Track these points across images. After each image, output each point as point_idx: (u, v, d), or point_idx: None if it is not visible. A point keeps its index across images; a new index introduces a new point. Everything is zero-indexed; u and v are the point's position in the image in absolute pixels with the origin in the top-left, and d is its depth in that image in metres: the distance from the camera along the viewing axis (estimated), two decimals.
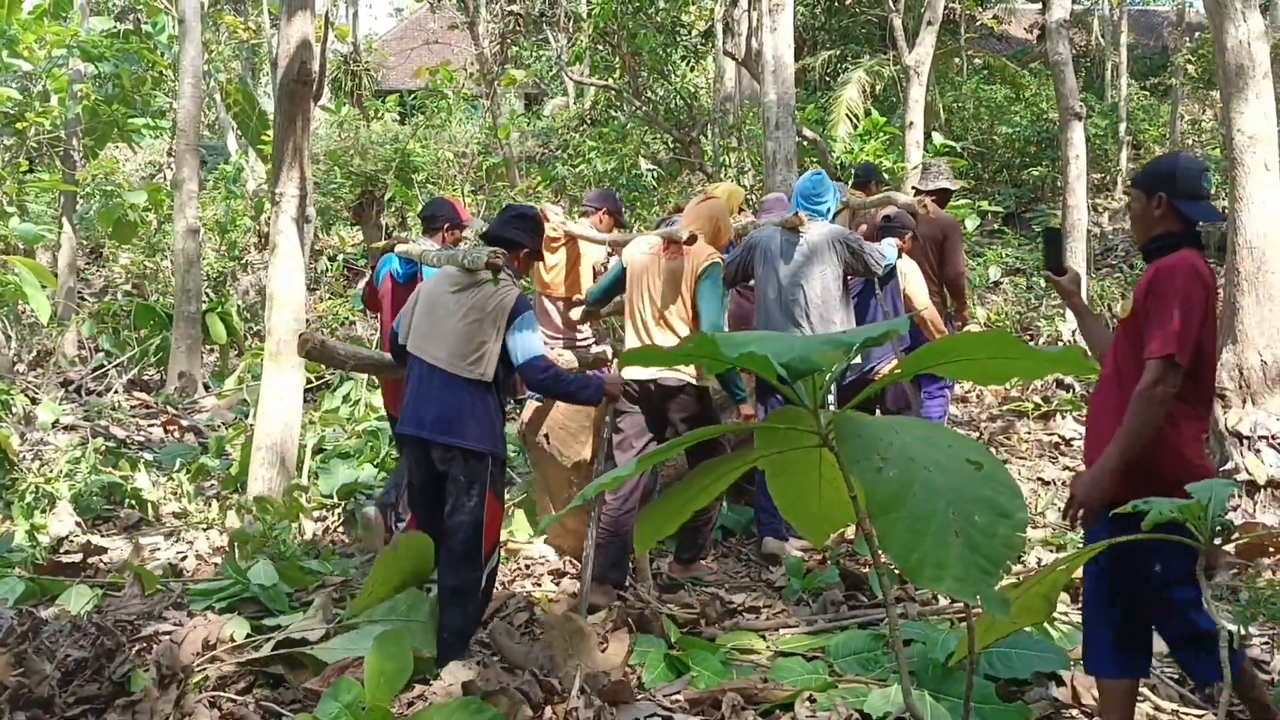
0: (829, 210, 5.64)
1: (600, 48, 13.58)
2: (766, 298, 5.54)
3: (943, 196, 7.08)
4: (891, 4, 13.62)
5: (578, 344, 5.84)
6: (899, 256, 5.98)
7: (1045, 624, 3.80)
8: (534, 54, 19.12)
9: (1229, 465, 6.21)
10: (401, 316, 4.41)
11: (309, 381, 8.72)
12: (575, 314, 5.71)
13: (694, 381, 4.86)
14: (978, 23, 19.27)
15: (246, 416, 8.17)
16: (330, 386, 9.25)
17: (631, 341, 5.18)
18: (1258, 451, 6.18)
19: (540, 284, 6.03)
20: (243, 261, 14.78)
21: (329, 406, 8.64)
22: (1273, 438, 6.22)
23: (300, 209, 5.72)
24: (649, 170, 13.17)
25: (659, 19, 12.71)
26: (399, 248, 5.46)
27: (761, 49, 8.91)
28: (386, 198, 13.23)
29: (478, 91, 16.65)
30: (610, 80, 13.85)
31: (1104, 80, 19.23)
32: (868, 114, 14.62)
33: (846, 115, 16.03)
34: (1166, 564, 2.93)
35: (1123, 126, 16.10)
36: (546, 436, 5.49)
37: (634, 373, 4.85)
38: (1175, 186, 3.20)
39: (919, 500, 1.64)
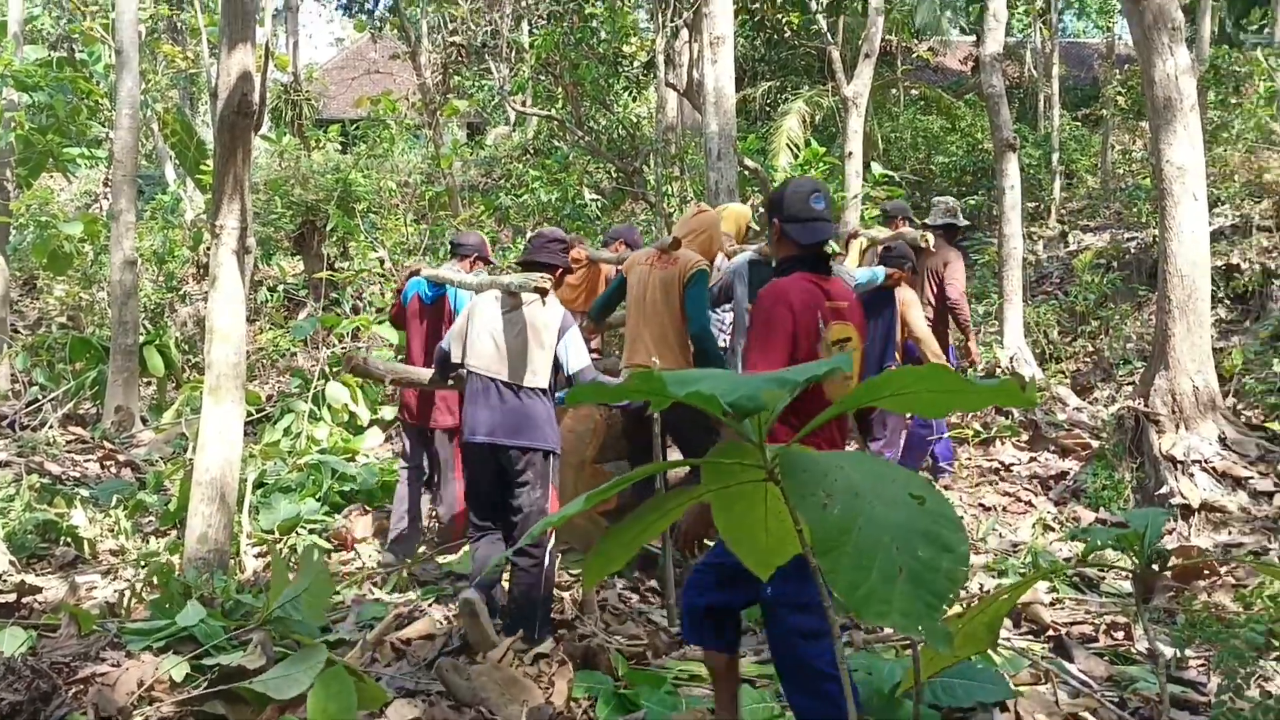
0: None
1: (542, 78, 13.63)
2: (741, 314, 5.95)
3: (949, 232, 7.54)
4: (830, 36, 13.84)
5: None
6: (897, 284, 6.54)
7: (989, 651, 3.84)
8: (476, 83, 19.13)
9: (1163, 489, 6.35)
10: (451, 338, 5.02)
11: (249, 414, 8.60)
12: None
13: None
14: (914, 55, 19.64)
15: (185, 451, 8.03)
16: (271, 419, 9.12)
17: (628, 345, 5.68)
18: (1191, 475, 6.33)
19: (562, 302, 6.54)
20: (180, 293, 14.55)
21: (270, 439, 8.52)
22: (1205, 462, 6.37)
23: (241, 241, 5.65)
24: (592, 200, 13.21)
25: (601, 50, 12.79)
26: (425, 272, 6.26)
27: (703, 81, 9.01)
28: (328, 227, 13.10)
29: (420, 121, 16.62)
30: (553, 110, 13.89)
31: (1037, 111, 19.65)
32: (808, 144, 14.79)
33: (787, 145, 16.24)
34: (778, 588, 2.93)
35: (1055, 156, 16.44)
36: None
37: (629, 375, 5.26)
38: (784, 211, 3.29)
39: (864, 536, 1.65)
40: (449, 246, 6.49)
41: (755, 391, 1.57)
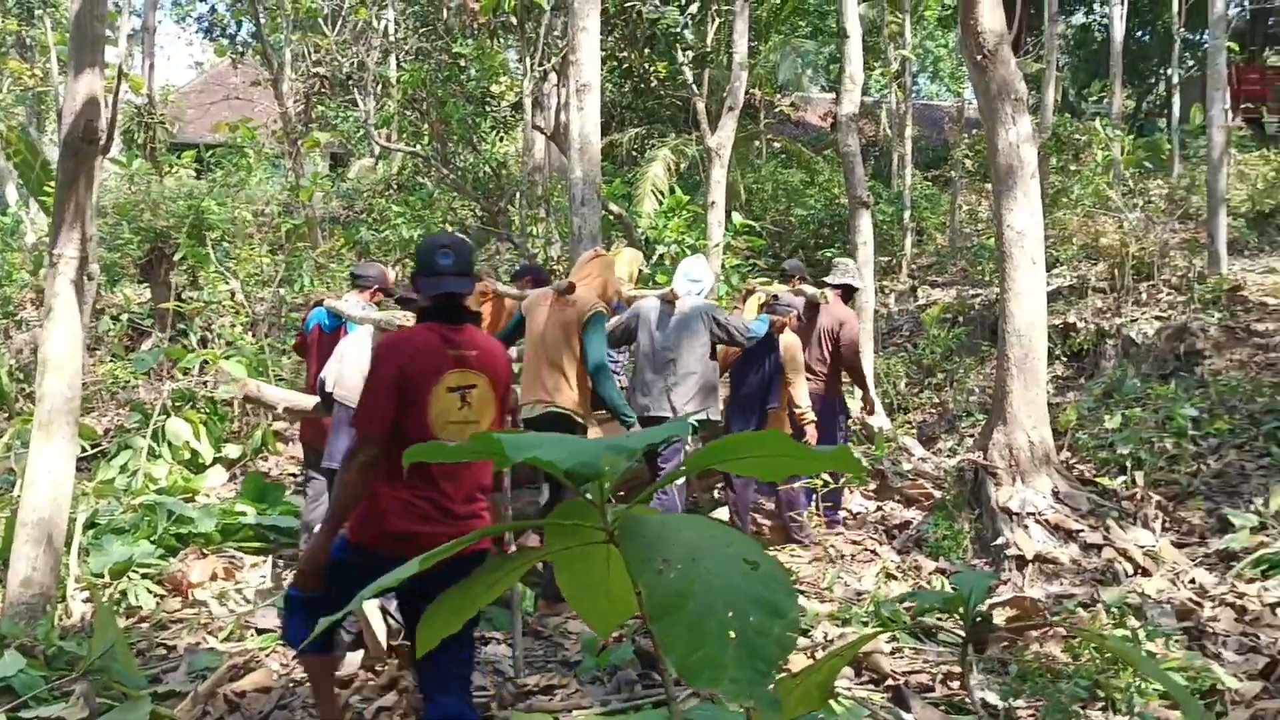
0: (703, 289, 6.69)
1: (409, 113, 13.51)
2: (643, 356, 6.54)
3: (846, 292, 7.81)
4: (695, 88, 14.11)
5: None
6: (781, 330, 6.95)
7: (830, 702, 3.90)
8: (341, 114, 18.84)
9: (1000, 540, 6.58)
10: (327, 368, 5.25)
11: (83, 449, 8.19)
12: None
13: (576, 413, 5.76)
14: (776, 110, 20.17)
15: (12, 488, 7.58)
16: (106, 455, 8.70)
17: (526, 381, 5.94)
18: (1026, 527, 6.58)
19: None
20: (16, 318, 13.81)
21: (104, 477, 8.11)
22: (1039, 514, 6.63)
23: (80, 271, 5.40)
24: None
25: (469, 88, 12.76)
26: (328, 302, 6.46)
27: (569, 127, 9.06)
28: (177, 256, 12.65)
29: (280, 150, 16.25)
30: (418, 146, 13.77)
31: (891, 169, 20.40)
32: (672, 191, 15.01)
33: (652, 191, 16.46)
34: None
35: (907, 214, 17.09)
36: None
37: (530, 409, 5.76)
38: (418, 265, 3.57)
39: (699, 601, 1.66)
40: (350, 278, 6.63)
41: (593, 458, 1.57)
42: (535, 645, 5.46)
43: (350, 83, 16.71)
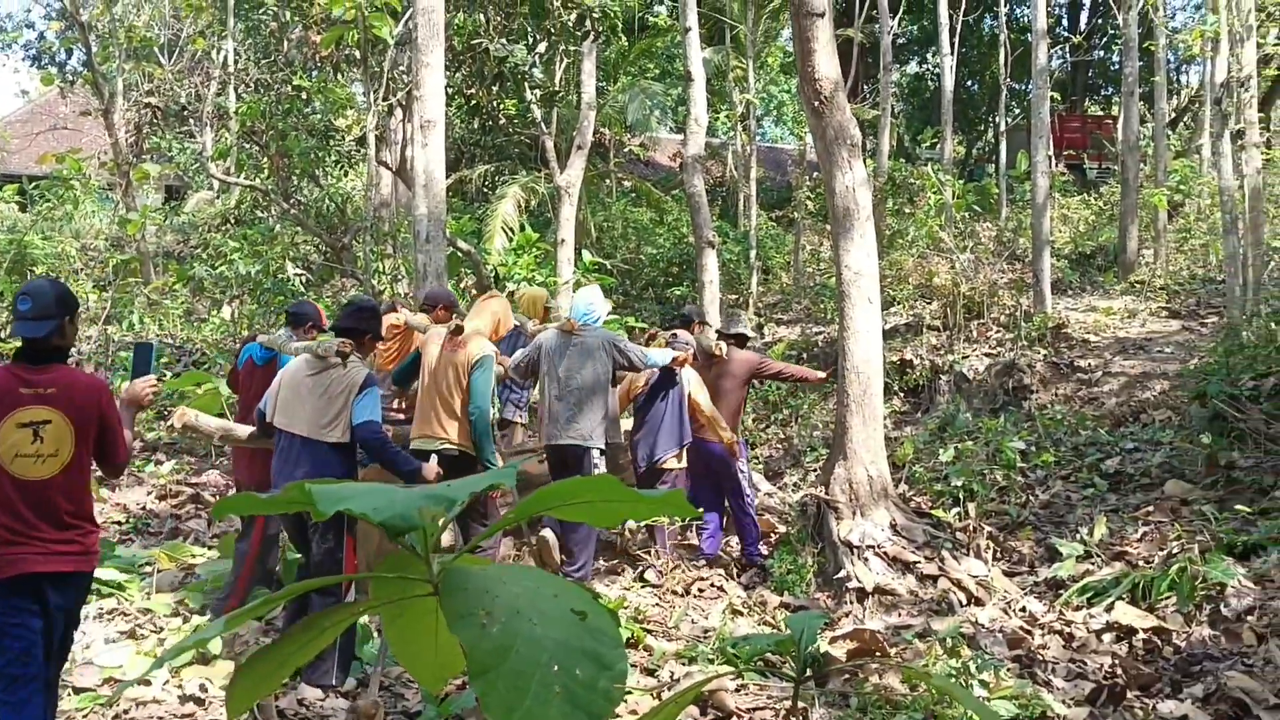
0: (598, 318, 6.89)
1: (248, 146, 13.12)
2: (547, 385, 6.70)
3: (740, 340, 8.01)
4: (544, 126, 14.15)
5: (391, 417, 7.05)
6: (682, 366, 7.22)
7: None
8: (178, 145, 18.19)
9: (841, 573, 6.70)
10: (266, 398, 5.44)
11: None
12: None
13: (466, 449, 6.13)
14: (626, 149, 20.41)
15: None
16: None
17: (419, 417, 6.31)
18: (866, 560, 6.72)
19: (379, 361, 7.59)
20: None
21: None
22: (878, 547, 6.79)
23: None
24: (297, 275, 12.75)
25: (312, 121, 12.48)
26: (261, 338, 6.74)
27: (415, 162, 8.94)
28: None
29: (110, 182, 15.57)
30: (257, 180, 13.37)
31: (738, 209, 20.83)
32: (522, 228, 14.99)
33: (502, 229, 16.38)
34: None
35: (753, 253, 17.44)
36: None
37: (422, 444, 6.11)
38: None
39: (522, 656, 1.61)
40: (286, 315, 6.95)
41: (409, 510, 1.51)
42: (377, 696, 5.27)
43: (187, 114, 16.17)
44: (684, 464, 7.33)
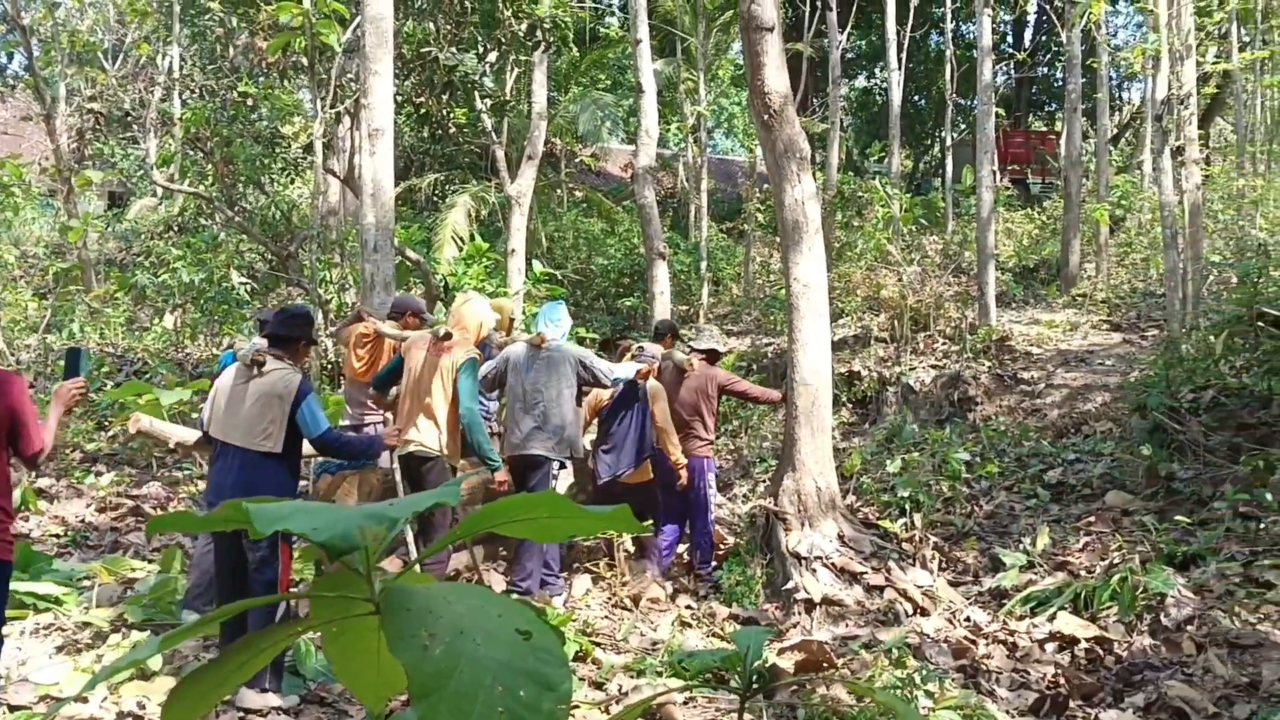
0: (564, 331, 7.03)
1: (192, 153, 12.93)
2: (513, 398, 6.84)
3: (711, 355, 8.04)
4: (495, 136, 14.10)
5: (365, 423, 7.40)
6: (646, 378, 7.34)
7: None
8: (121, 151, 17.89)
9: (789, 584, 6.73)
10: (204, 408, 5.46)
11: None
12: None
13: (444, 454, 6.21)
14: (577, 159, 20.41)
15: None
16: None
17: (404, 422, 6.32)
18: (814, 571, 6.75)
19: (351, 371, 7.68)
20: None
21: None
22: (826, 558, 6.82)
23: None
24: (241, 284, 12.58)
25: (258, 128, 12.33)
26: (240, 347, 6.44)
27: (363, 170, 8.86)
28: None
29: (52, 188, 15.27)
30: (201, 187, 13.18)
31: (689, 220, 20.90)
32: (472, 238, 14.92)
33: (452, 238, 16.31)
34: None
35: (704, 264, 17.51)
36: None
37: (400, 448, 6.17)
38: None
39: (465, 678, 1.58)
40: (259, 325, 7.00)
41: (349, 529, 1.48)
42: (321, 713, 5.20)
43: (130, 119, 15.91)
44: (648, 476, 7.37)
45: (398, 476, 6.41)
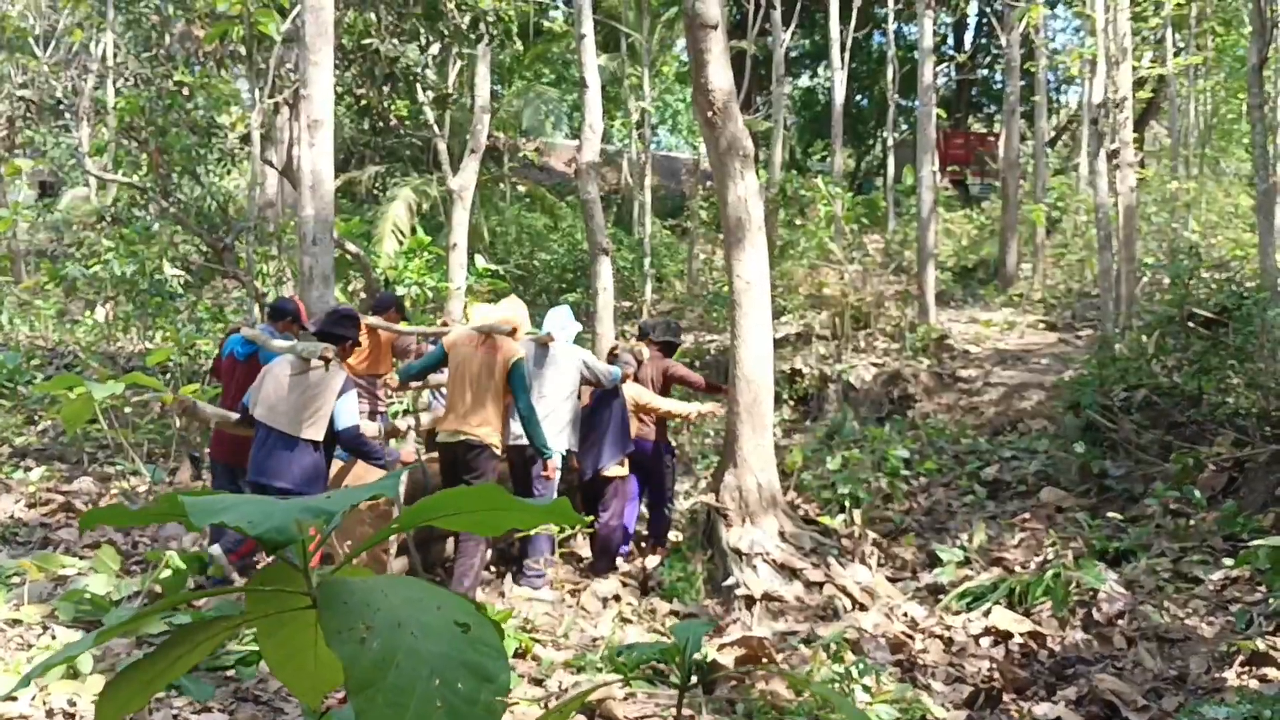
0: (571, 334, 7.44)
1: (126, 142, 12.65)
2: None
3: (665, 347, 8.35)
4: (437, 129, 13.98)
5: (377, 411, 7.53)
6: (626, 380, 7.67)
7: None
8: (52, 140, 17.46)
9: (730, 580, 6.76)
10: (250, 392, 5.92)
11: None
12: (394, 382, 7.52)
13: (494, 446, 6.52)
14: (521, 154, 20.31)
15: None
16: None
17: (452, 411, 6.62)
18: (754, 567, 6.79)
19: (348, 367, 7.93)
20: None
21: None
22: (766, 554, 6.86)
23: None
24: (175, 276, 12.35)
25: (194, 118, 12.10)
26: (244, 330, 7.11)
27: (301, 162, 8.73)
28: None
29: None
30: (135, 177, 12.90)
31: (633, 217, 20.91)
32: (414, 231, 14.79)
33: (393, 232, 16.16)
34: None
35: (648, 261, 17.52)
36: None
37: (447, 437, 6.54)
38: None
39: (402, 671, 1.57)
40: (268, 310, 7.33)
41: (285, 522, 1.46)
42: (255, 711, 5.12)
43: (63, 107, 15.55)
44: (626, 470, 7.61)
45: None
